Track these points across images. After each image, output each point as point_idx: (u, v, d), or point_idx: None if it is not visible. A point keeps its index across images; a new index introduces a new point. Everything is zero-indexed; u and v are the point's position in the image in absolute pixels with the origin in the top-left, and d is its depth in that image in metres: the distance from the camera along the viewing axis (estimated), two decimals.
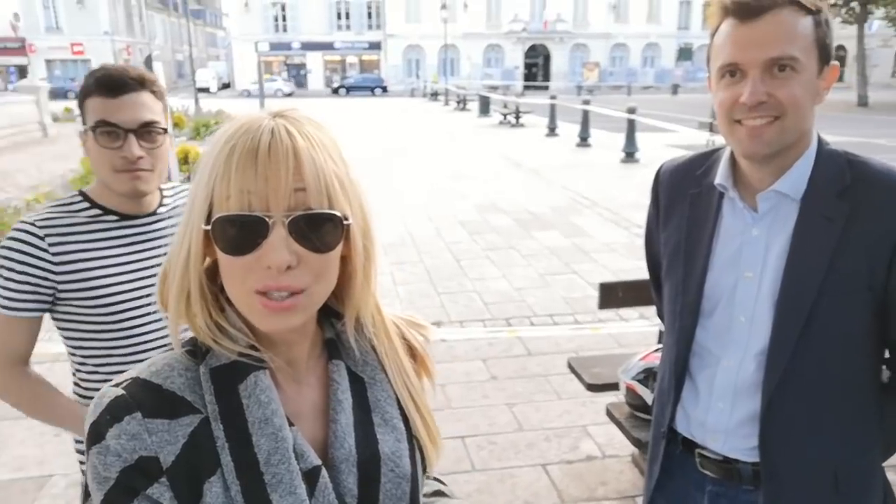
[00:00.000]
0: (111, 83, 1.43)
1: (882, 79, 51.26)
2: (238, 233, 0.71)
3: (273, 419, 0.75)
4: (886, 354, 1.28)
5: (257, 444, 0.74)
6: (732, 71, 1.18)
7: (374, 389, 0.87)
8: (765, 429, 1.26)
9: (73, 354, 1.54)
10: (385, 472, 0.82)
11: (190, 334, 0.80)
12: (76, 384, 1.58)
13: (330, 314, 0.86)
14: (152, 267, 1.53)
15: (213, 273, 0.78)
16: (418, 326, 0.97)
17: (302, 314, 0.75)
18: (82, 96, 1.47)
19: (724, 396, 1.32)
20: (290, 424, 0.78)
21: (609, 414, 2.87)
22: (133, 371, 0.78)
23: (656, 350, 2.72)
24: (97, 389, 1.51)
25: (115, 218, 1.51)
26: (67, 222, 1.47)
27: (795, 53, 1.13)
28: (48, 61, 48.83)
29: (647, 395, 2.63)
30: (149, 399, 0.74)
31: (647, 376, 2.64)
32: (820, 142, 1.25)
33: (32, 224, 1.44)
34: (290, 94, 44.81)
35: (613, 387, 2.86)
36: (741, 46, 1.16)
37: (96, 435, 0.73)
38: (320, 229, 0.73)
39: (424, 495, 0.97)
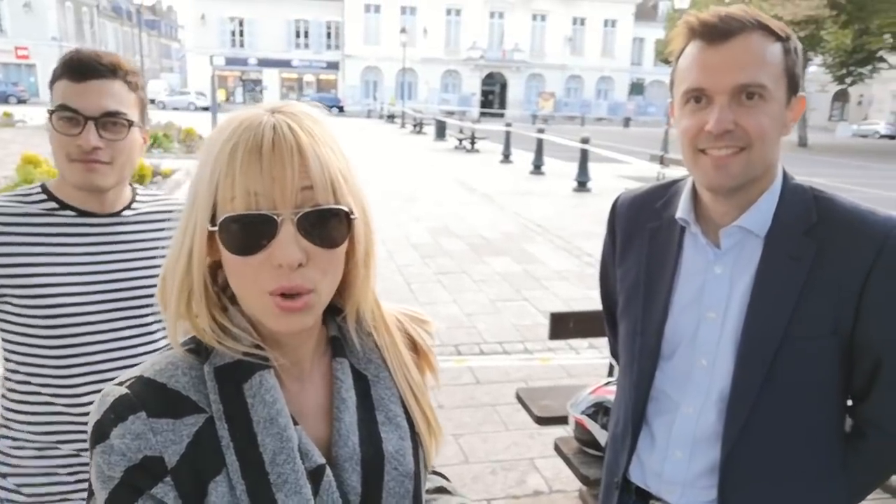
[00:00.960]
0: (79, 67, 1.33)
1: (819, 122, 53.86)
2: (246, 232, 0.70)
3: (278, 419, 0.75)
4: (849, 403, 1.22)
5: (262, 443, 0.74)
6: (698, 97, 1.11)
7: (378, 387, 0.87)
8: (724, 480, 1.18)
9: (8, 360, 1.40)
10: (388, 469, 0.82)
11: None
12: (3, 396, 1.43)
13: (333, 311, 0.85)
14: (104, 272, 1.40)
15: (213, 272, 0.77)
16: (420, 322, 0.96)
17: (314, 313, 0.75)
18: (52, 79, 1.37)
19: (683, 445, 1.24)
20: (295, 423, 0.77)
21: (557, 449, 2.78)
22: (137, 369, 0.77)
23: (607, 383, 2.65)
24: (25, 402, 1.37)
25: (71, 214, 1.40)
26: (16, 212, 1.36)
27: (764, 81, 1.07)
28: None
29: (597, 431, 2.55)
30: (153, 398, 0.74)
31: (597, 411, 2.57)
32: (785, 176, 1.19)
33: None
34: (206, 109, 44.36)
35: (562, 420, 2.78)
36: (708, 71, 1.09)
37: (100, 434, 0.72)
38: (328, 225, 0.72)
39: (427, 491, 0.96)
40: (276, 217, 0.70)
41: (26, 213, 1.37)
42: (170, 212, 1.52)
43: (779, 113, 1.11)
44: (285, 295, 0.71)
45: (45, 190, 1.41)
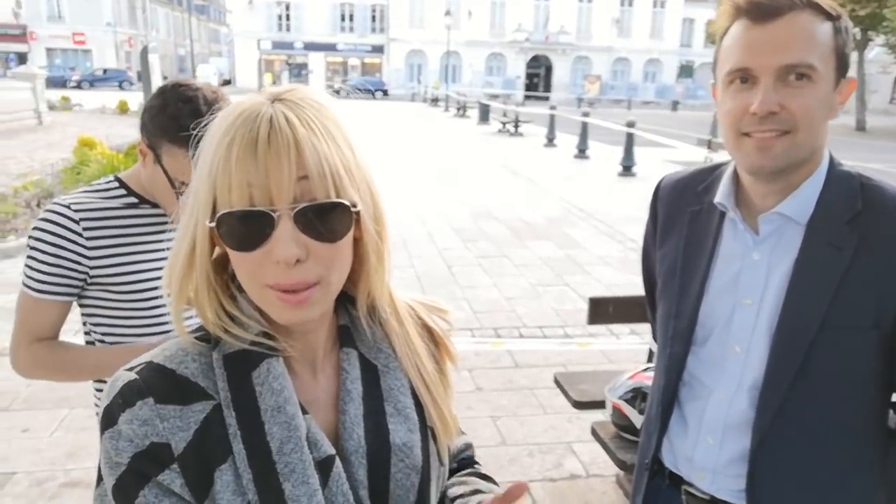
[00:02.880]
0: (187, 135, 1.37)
1: (880, 105, 51.52)
2: (244, 228, 0.69)
3: (286, 407, 0.74)
4: (894, 398, 1.18)
5: (270, 432, 0.73)
6: (743, 77, 1.08)
7: (388, 378, 0.85)
8: (754, 470, 1.16)
9: (102, 342, 1.51)
10: (395, 462, 0.81)
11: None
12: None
13: (345, 300, 0.84)
14: None
15: (223, 262, 0.76)
16: (439, 311, 0.95)
17: (319, 306, 0.74)
18: (158, 132, 1.38)
19: (714, 432, 1.22)
20: (305, 412, 0.76)
21: (594, 433, 2.78)
22: (147, 355, 0.77)
23: (646, 369, 2.64)
24: None
25: (150, 207, 1.49)
26: (103, 206, 1.44)
27: (813, 61, 1.04)
28: (49, 49, 48.61)
29: (634, 416, 2.54)
30: (162, 384, 0.73)
31: (635, 396, 2.56)
32: (832, 161, 1.15)
33: (68, 207, 1.40)
34: (228, 81, 44.96)
35: (600, 404, 2.78)
36: (754, 50, 1.05)
37: (109, 419, 0.72)
38: (328, 219, 0.70)
39: (462, 495, 0.93)
40: (272, 213, 0.68)
41: (110, 207, 1.45)
42: None
43: (826, 95, 1.07)
44: (286, 290, 0.71)
45: (122, 185, 1.49)
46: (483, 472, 1.02)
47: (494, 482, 1.00)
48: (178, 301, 0.76)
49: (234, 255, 0.72)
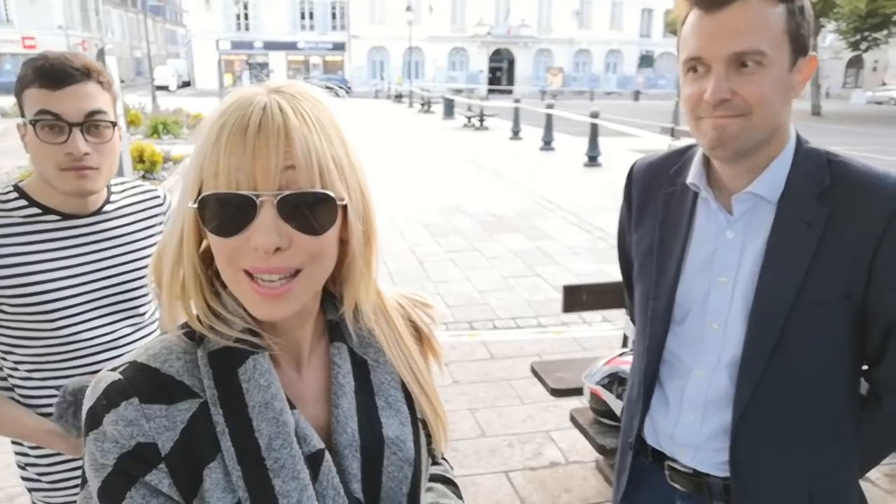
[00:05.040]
0: (53, 74, 1.29)
1: (833, 89, 52.90)
2: (226, 212, 0.68)
3: (273, 403, 0.73)
4: (864, 367, 1.22)
5: (258, 428, 0.72)
6: (698, 66, 1.10)
7: (378, 372, 0.85)
8: (736, 443, 1.20)
9: (4, 359, 1.43)
10: (388, 455, 0.81)
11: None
12: (6, 389, 1.45)
13: (332, 296, 0.84)
14: (96, 271, 1.42)
15: (209, 256, 0.74)
16: (424, 306, 0.94)
17: (297, 300, 0.72)
18: (20, 87, 1.33)
19: (695, 408, 1.25)
20: (293, 408, 0.76)
21: (573, 420, 2.81)
22: (131, 354, 0.76)
23: (621, 354, 2.68)
24: (32, 397, 1.40)
25: (55, 218, 1.39)
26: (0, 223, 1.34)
27: (762, 47, 1.05)
28: None
29: (612, 401, 2.58)
30: (146, 384, 0.72)
31: (612, 381, 2.59)
32: (798, 140, 1.18)
33: None
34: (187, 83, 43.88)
35: (577, 392, 2.81)
36: (705, 39, 1.08)
37: (93, 420, 0.71)
38: (312, 210, 0.69)
39: (430, 478, 0.94)
40: (255, 198, 0.67)
41: (8, 222, 1.35)
42: (145, 200, 1.55)
43: (780, 77, 1.09)
44: (263, 280, 0.69)
45: (23, 195, 1.38)
46: (445, 470, 1.02)
47: (455, 484, 1.00)
48: (169, 293, 0.75)
49: (214, 241, 0.71)
